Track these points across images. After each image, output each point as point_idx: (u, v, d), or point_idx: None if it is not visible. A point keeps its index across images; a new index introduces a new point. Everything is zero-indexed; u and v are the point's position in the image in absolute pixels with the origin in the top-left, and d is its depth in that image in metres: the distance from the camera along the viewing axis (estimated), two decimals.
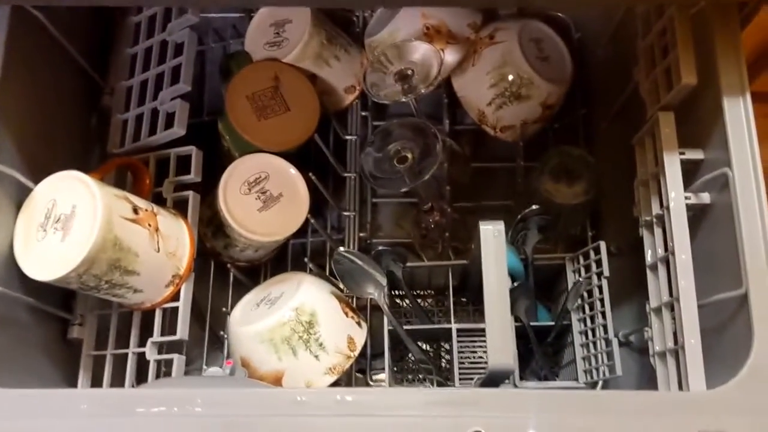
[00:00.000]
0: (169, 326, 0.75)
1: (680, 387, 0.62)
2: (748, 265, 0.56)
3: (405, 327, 0.81)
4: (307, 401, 0.54)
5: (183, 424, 0.53)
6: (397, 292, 0.95)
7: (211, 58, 0.99)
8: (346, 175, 0.92)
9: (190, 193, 0.77)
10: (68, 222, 0.64)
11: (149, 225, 0.68)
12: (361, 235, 0.93)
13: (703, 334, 0.60)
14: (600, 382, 0.79)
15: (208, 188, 0.81)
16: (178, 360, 0.72)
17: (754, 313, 0.55)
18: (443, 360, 0.93)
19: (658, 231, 0.68)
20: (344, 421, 0.53)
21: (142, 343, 0.75)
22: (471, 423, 0.52)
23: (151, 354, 0.73)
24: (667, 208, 0.64)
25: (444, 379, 0.88)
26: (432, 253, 0.92)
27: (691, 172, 0.66)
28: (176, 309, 0.74)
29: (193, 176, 0.77)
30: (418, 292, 0.97)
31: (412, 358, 0.92)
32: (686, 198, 0.64)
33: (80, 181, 0.65)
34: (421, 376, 0.91)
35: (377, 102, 0.96)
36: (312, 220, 0.82)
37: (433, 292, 0.97)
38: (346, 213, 0.92)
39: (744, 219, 0.57)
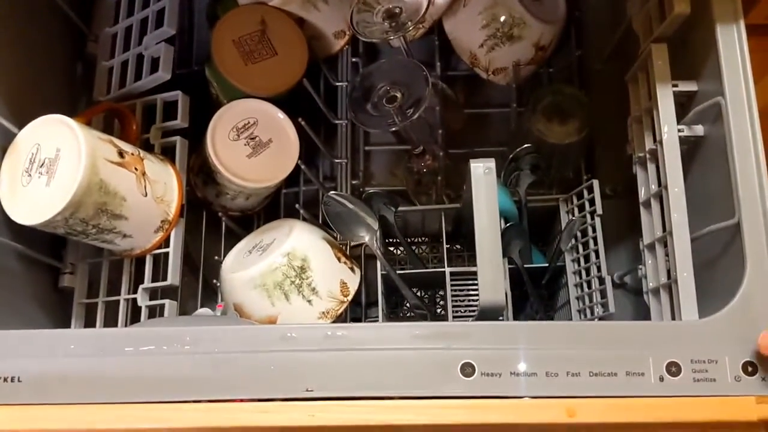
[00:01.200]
0: (161, 273, 0.74)
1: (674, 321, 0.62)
2: (741, 193, 0.55)
3: (398, 272, 0.80)
4: (297, 337, 0.54)
5: (172, 361, 0.53)
6: (391, 240, 0.94)
7: (199, 8, 0.97)
8: (337, 122, 0.91)
9: (178, 139, 0.76)
10: (53, 166, 0.63)
11: (136, 169, 0.67)
12: (354, 182, 0.92)
13: (697, 268, 0.60)
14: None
15: (198, 138, 0.80)
16: (169, 305, 0.72)
17: (747, 242, 0.54)
18: (438, 306, 0.92)
19: (651, 167, 0.67)
20: (334, 356, 0.53)
21: (134, 291, 0.75)
22: (461, 356, 0.52)
23: (142, 300, 0.73)
24: (660, 142, 0.63)
25: None
26: (426, 200, 0.91)
27: (685, 105, 0.65)
28: (168, 256, 0.73)
29: (180, 121, 0.76)
30: (413, 239, 0.96)
31: (408, 306, 0.92)
32: (679, 131, 0.63)
33: (64, 124, 0.64)
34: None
35: (368, 47, 0.95)
36: (303, 167, 0.81)
37: (427, 239, 0.96)
38: (337, 160, 0.91)
39: (737, 147, 0.56)
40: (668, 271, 0.64)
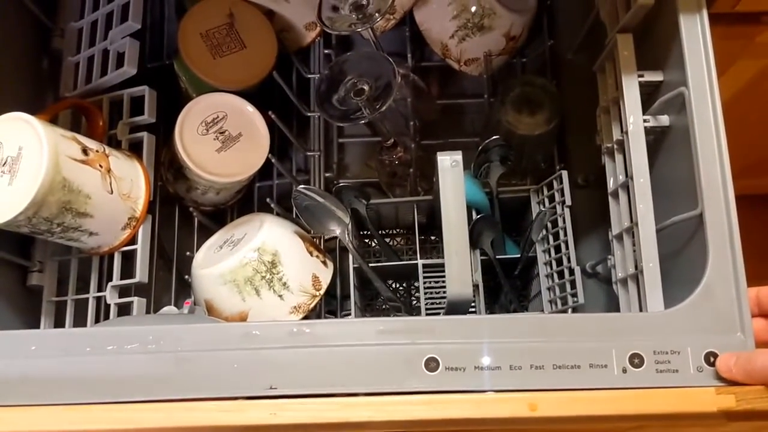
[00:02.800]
0: (131, 270, 0.74)
1: (641, 311, 0.62)
2: (704, 184, 0.55)
3: (371, 264, 0.80)
4: (261, 334, 0.53)
5: (135, 361, 0.52)
6: (366, 232, 0.94)
7: (169, 1, 0.96)
8: (309, 114, 0.90)
9: (144, 134, 0.76)
10: (15, 164, 0.62)
11: (100, 166, 0.67)
12: (327, 175, 0.91)
13: (664, 258, 0.60)
14: (569, 312, 0.79)
15: (170, 132, 0.79)
16: (137, 302, 0.72)
17: (709, 233, 0.55)
18: (414, 298, 0.92)
19: (619, 157, 0.67)
20: (298, 353, 0.53)
21: (105, 288, 0.74)
22: (426, 350, 0.52)
23: (111, 298, 0.72)
24: (627, 132, 0.63)
25: (414, 316, 0.88)
26: (400, 192, 0.91)
27: (652, 95, 0.64)
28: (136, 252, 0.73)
29: (147, 116, 0.76)
30: (387, 231, 0.96)
31: (383, 298, 0.92)
32: (645, 121, 0.63)
33: (26, 122, 0.63)
34: (391, 316, 0.91)
35: (341, 38, 0.94)
36: (274, 160, 0.81)
37: (402, 230, 0.96)
38: (310, 153, 0.90)
39: (700, 137, 0.56)
40: (636, 262, 0.64)
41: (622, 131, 0.65)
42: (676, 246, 0.60)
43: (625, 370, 0.52)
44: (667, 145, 0.63)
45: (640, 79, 0.63)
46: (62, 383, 0.52)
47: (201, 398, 0.51)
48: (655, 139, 0.64)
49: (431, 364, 0.52)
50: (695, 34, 0.59)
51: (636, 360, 0.52)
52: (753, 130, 1.09)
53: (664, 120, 0.63)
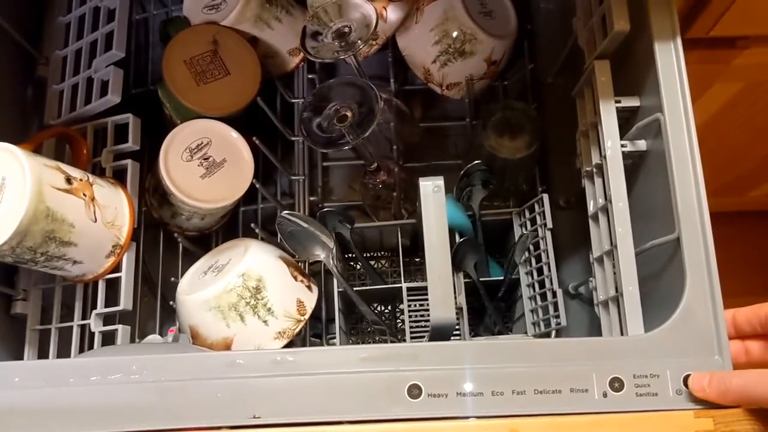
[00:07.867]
0: (115, 297, 0.74)
1: (622, 334, 0.62)
2: (680, 208, 0.56)
3: (355, 288, 0.81)
4: (245, 363, 0.54)
5: (119, 391, 0.52)
6: (351, 255, 0.94)
7: (153, 27, 0.96)
8: (293, 139, 0.91)
9: (129, 162, 0.76)
10: None
11: (84, 195, 0.67)
12: (312, 199, 0.92)
13: (644, 280, 0.61)
14: (553, 334, 0.80)
15: (155, 158, 0.79)
16: (122, 330, 0.72)
17: (686, 256, 0.55)
18: (399, 321, 0.93)
19: (598, 181, 0.68)
20: (282, 381, 0.53)
21: (89, 316, 0.74)
22: (408, 377, 0.53)
23: (96, 326, 0.72)
24: (605, 156, 0.64)
25: (399, 339, 0.88)
26: (385, 215, 0.92)
27: (629, 120, 0.66)
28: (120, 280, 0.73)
29: (131, 144, 0.76)
30: (372, 254, 0.97)
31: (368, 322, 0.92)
32: (622, 146, 0.64)
33: (8, 152, 0.63)
34: (376, 338, 0.91)
35: (325, 63, 0.95)
36: (258, 185, 0.81)
37: (387, 253, 0.97)
38: (295, 177, 0.91)
39: (675, 163, 0.57)
40: (616, 284, 0.65)
41: (600, 155, 0.66)
42: (656, 269, 0.61)
43: (605, 395, 0.52)
44: (645, 169, 0.64)
45: (618, 104, 0.64)
46: (46, 414, 0.52)
47: (184, 428, 0.51)
48: (633, 164, 0.65)
49: (414, 391, 0.52)
50: (670, 61, 0.60)
51: (616, 384, 0.52)
52: (731, 150, 1.11)
53: (642, 145, 0.64)
